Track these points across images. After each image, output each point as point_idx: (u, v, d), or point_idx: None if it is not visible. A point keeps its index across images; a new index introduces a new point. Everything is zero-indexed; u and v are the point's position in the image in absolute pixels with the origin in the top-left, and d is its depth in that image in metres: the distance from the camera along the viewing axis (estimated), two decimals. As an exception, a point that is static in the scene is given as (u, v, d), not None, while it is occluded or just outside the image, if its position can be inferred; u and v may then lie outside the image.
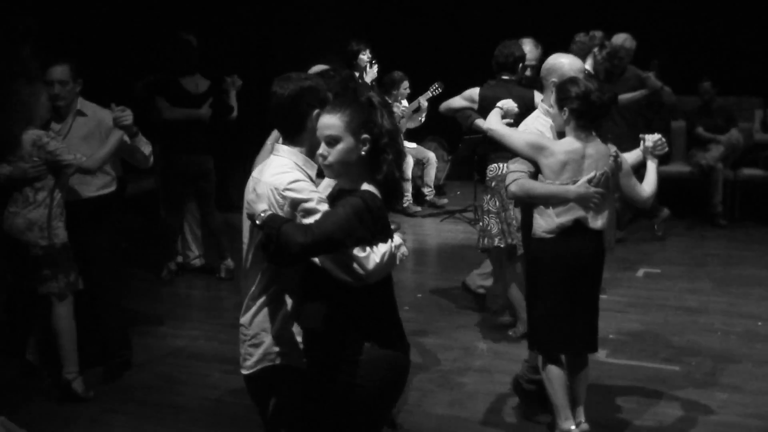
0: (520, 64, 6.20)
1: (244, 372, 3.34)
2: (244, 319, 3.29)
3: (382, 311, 3.13)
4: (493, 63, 6.16)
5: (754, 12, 9.92)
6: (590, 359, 5.72)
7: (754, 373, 5.47)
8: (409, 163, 9.62)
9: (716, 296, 6.98)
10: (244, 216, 3.23)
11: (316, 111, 3.13)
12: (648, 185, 4.38)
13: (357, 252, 2.93)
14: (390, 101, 9.12)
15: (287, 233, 2.87)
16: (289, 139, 3.22)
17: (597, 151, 4.16)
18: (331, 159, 3.00)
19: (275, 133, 4.54)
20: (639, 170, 4.45)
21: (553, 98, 4.30)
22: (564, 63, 4.49)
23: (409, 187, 9.63)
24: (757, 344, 5.95)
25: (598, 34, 7.29)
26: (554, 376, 4.36)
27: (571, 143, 4.16)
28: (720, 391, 5.19)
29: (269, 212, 2.99)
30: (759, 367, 5.56)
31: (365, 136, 2.99)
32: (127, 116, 5.00)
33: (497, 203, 5.88)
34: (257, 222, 2.99)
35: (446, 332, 6.22)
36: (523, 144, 4.25)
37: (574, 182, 4.12)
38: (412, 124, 9.58)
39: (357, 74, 8.46)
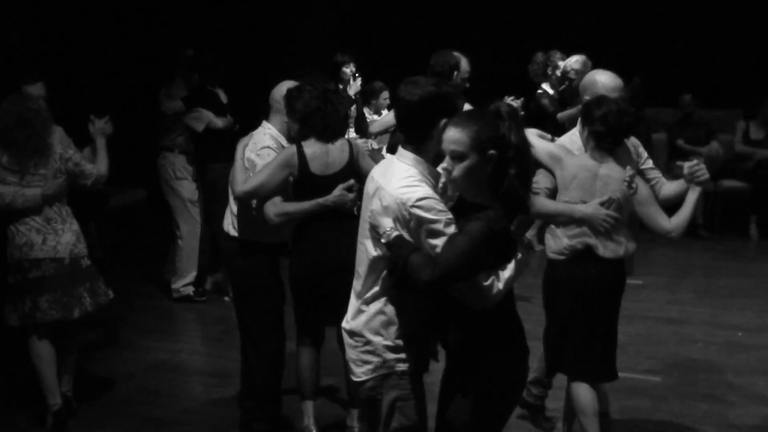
0: (455, 72, 6.29)
1: (358, 379, 3.20)
2: (355, 324, 3.17)
3: (510, 320, 3.12)
4: (429, 72, 6.22)
5: (735, 26, 10.04)
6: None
7: (735, 384, 5.50)
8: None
9: (698, 307, 7.02)
10: (364, 216, 3.13)
11: (444, 120, 3.00)
12: (678, 216, 4.03)
13: (481, 281, 2.88)
14: (370, 111, 9.14)
15: (413, 267, 2.84)
16: (413, 146, 3.07)
17: (611, 173, 3.98)
18: (455, 174, 2.93)
19: (242, 144, 4.59)
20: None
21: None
22: (598, 81, 4.29)
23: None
24: (738, 355, 5.99)
25: (556, 54, 7.23)
26: (582, 403, 4.18)
27: (584, 160, 4.03)
28: (701, 402, 5.22)
29: (396, 233, 2.92)
30: (740, 378, 5.59)
31: (491, 152, 2.90)
32: (110, 126, 5.20)
33: None
34: (383, 240, 2.94)
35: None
36: (545, 153, 4.09)
37: (584, 203, 3.97)
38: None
39: (341, 86, 8.48)
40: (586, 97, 4.25)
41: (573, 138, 4.23)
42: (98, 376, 5.53)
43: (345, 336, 3.24)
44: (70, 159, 4.91)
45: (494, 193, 2.94)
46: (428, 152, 3.05)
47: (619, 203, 3.97)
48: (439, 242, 2.88)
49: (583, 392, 4.16)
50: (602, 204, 3.93)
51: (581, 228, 4.00)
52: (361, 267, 3.16)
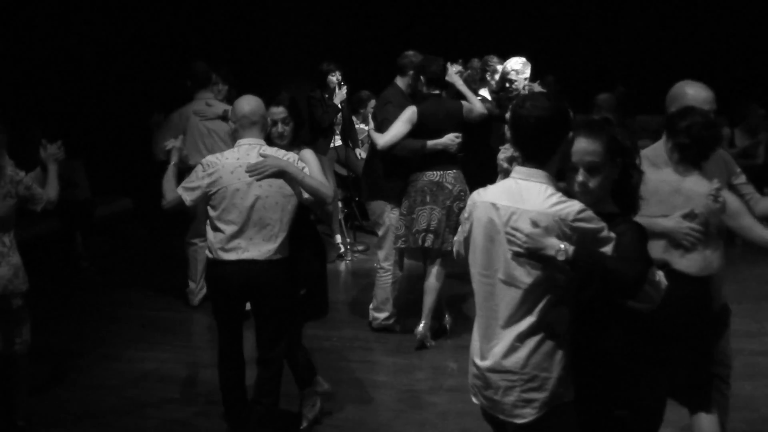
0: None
1: (524, 420, 2.99)
2: (513, 362, 2.97)
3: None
4: (424, 80, 6.26)
5: (721, 33, 10.10)
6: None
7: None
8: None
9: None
10: (488, 249, 2.99)
11: (570, 134, 2.96)
12: None
13: (655, 277, 2.88)
14: (358, 120, 9.16)
15: (618, 270, 2.80)
16: (537, 163, 2.95)
17: (695, 187, 3.79)
18: (592, 186, 2.92)
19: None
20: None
21: None
22: (687, 93, 4.12)
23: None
24: (724, 360, 5.99)
25: (492, 59, 7.21)
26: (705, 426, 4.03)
27: (666, 174, 3.85)
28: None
29: (572, 247, 2.81)
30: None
31: (618, 159, 2.94)
32: (62, 152, 5.07)
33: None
34: (560, 258, 2.80)
35: (416, 352, 6.22)
36: None
37: (665, 217, 3.77)
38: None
39: (327, 95, 8.49)
40: (672, 109, 4.08)
41: (657, 151, 4.02)
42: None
43: (490, 376, 3.03)
44: (21, 182, 4.70)
45: (616, 199, 2.99)
46: (553, 168, 2.98)
47: (704, 217, 3.75)
48: (608, 249, 2.86)
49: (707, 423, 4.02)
50: (684, 217, 3.75)
51: (660, 242, 3.76)
52: (503, 302, 2.97)
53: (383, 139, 6.15)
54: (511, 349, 2.96)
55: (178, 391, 5.63)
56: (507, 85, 7.33)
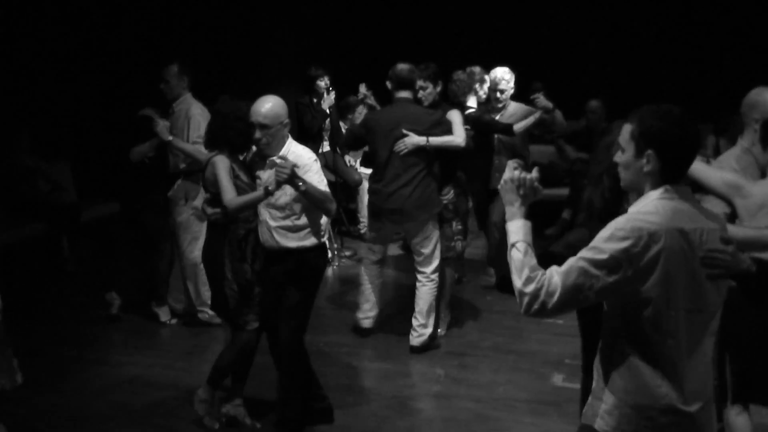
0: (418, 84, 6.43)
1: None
2: (710, 390, 2.83)
3: None
4: (394, 82, 6.29)
5: (705, 42, 10.17)
6: (546, 383, 5.78)
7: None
8: (365, 187, 9.61)
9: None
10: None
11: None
12: None
13: None
14: (345, 125, 9.16)
15: None
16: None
17: None
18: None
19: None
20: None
21: (757, 136, 3.99)
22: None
23: (365, 212, 9.62)
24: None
25: (477, 69, 7.22)
26: (741, 425, 4.03)
27: None
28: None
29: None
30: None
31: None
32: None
33: None
34: (753, 269, 2.76)
35: (403, 358, 6.23)
36: (720, 182, 3.83)
37: None
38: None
39: (315, 100, 8.49)
40: (756, 116, 4.01)
41: (741, 161, 3.98)
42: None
43: (701, 416, 2.78)
44: None
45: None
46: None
47: None
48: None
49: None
50: None
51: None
52: (688, 332, 2.71)
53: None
54: (707, 376, 2.80)
55: (165, 396, 5.62)
56: (498, 95, 7.38)
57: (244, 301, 4.88)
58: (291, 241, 4.78)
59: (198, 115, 6.61)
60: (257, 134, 4.64)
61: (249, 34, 10.42)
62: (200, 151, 6.62)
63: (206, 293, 6.33)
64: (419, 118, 6.17)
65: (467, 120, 6.56)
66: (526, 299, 2.62)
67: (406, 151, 6.08)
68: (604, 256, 2.58)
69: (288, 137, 4.76)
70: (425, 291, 6.34)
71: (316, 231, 4.83)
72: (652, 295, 2.60)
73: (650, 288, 2.60)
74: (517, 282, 2.64)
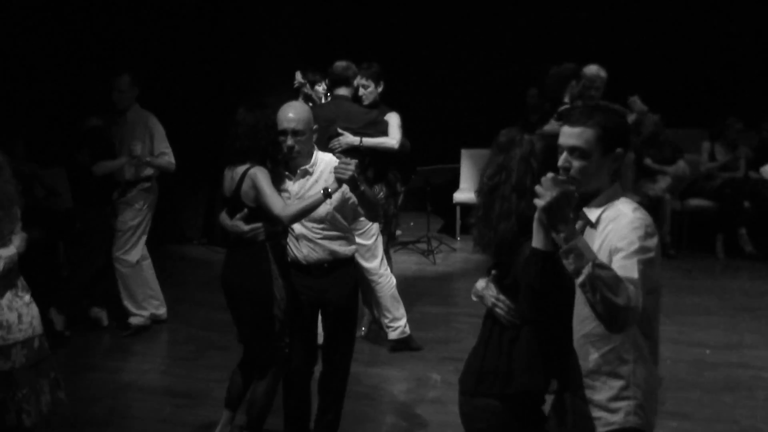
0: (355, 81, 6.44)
1: None
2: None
3: None
4: (331, 80, 6.41)
5: (700, 47, 10.20)
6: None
7: (703, 401, 5.55)
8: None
9: (665, 325, 6.95)
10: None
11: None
12: None
13: None
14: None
15: None
16: None
17: None
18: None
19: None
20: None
21: None
22: None
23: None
24: (705, 372, 6.04)
25: (571, 65, 7.20)
26: None
27: None
28: (670, 420, 5.23)
29: None
30: (708, 395, 5.64)
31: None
32: None
33: None
34: None
35: (399, 363, 6.22)
36: None
37: None
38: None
39: (311, 105, 8.47)
40: None
41: None
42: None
43: None
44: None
45: None
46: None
47: None
48: None
49: None
50: None
51: None
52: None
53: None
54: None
55: (159, 402, 5.61)
56: (593, 92, 7.10)
57: (285, 321, 4.56)
58: (341, 248, 4.54)
59: (160, 127, 6.84)
60: (289, 141, 4.33)
61: (242, 39, 10.40)
62: (170, 162, 6.81)
63: (141, 294, 6.96)
64: (354, 116, 6.20)
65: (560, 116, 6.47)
66: (630, 314, 2.56)
67: (339, 149, 6.03)
68: (651, 254, 2.68)
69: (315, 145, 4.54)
70: (380, 288, 6.35)
71: (353, 239, 4.67)
72: (659, 278, 2.76)
73: (659, 273, 2.75)
74: (619, 300, 2.51)
